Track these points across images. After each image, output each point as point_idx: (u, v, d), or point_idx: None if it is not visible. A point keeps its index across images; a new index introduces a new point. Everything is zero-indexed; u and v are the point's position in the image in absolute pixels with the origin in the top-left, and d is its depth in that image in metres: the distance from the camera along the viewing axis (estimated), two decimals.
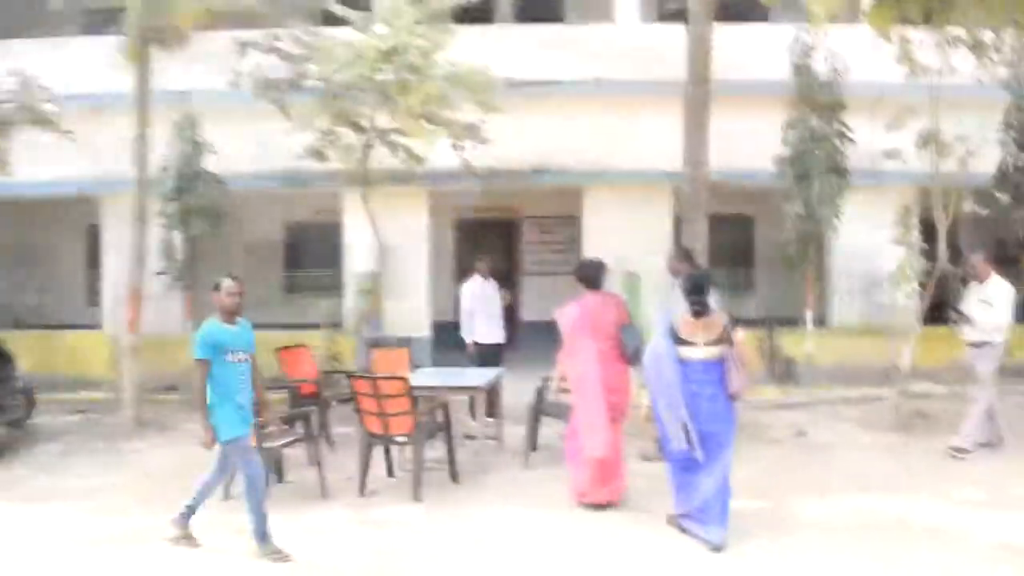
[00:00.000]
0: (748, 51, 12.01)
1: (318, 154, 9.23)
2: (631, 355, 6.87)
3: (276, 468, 7.48)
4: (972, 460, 8.16)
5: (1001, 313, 8.26)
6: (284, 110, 9.42)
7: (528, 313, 15.35)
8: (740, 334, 6.14)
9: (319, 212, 14.77)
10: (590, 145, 12.73)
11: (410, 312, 12.61)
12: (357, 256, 12.83)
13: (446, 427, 7.79)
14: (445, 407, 7.84)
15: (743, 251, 15.58)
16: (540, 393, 8.35)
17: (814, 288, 11.43)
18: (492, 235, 15.79)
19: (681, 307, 6.35)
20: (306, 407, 8.30)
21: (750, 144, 11.67)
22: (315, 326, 12.42)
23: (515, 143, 11.75)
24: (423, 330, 12.88)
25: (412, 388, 7.35)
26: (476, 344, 10.17)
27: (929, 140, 10.33)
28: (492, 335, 10.28)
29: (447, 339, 13.01)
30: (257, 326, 6.33)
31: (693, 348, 6.00)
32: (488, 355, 10.05)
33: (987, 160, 10.70)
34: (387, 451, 7.84)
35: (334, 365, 11.42)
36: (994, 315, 8.24)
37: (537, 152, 12.57)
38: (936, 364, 10.78)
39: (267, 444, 6.95)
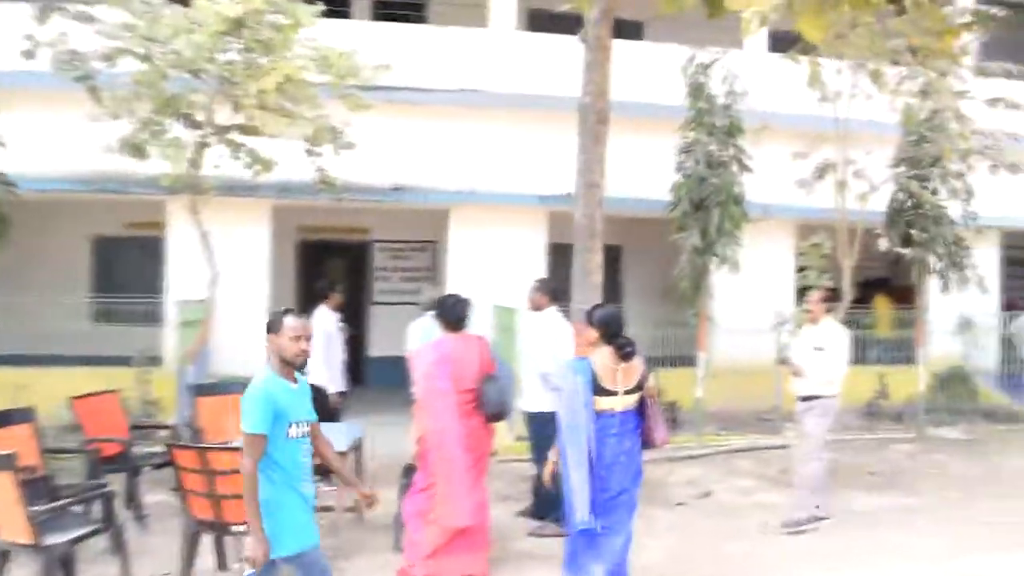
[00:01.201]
0: (637, 71, 10.89)
1: (135, 150, 7.07)
2: (490, 413, 5.63)
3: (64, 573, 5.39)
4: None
5: (834, 362, 7.03)
6: (95, 93, 7.26)
7: (377, 347, 13.57)
8: (652, 379, 5.34)
9: (134, 225, 12.43)
10: (458, 162, 11.20)
11: (245, 349, 10.52)
12: (182, 279, 10.64)
13: None
14: None
15: (609, 284, 14.39)
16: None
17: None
18: (339, 259, 13.88)
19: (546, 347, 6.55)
20: (105, 479, 6.30)
21: (639, 170, 10.54)
22: (126, 361, 10.16)
23: (373, 155, 10.04)
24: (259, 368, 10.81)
25: None
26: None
27: (826, 171, 9.51)
28: (335, 382, 8.48)
29: None
30: (54, 361, 4.34)
31: (612, 398, 5.07)
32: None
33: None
34: (219, 539, 5.93)
35: (149, 415, 9.23)
36: (826, 364, 7.00)
37: (398, 167, 10.91)
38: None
39: (49, 540, 4.95)
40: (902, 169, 10.24)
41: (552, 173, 11.35)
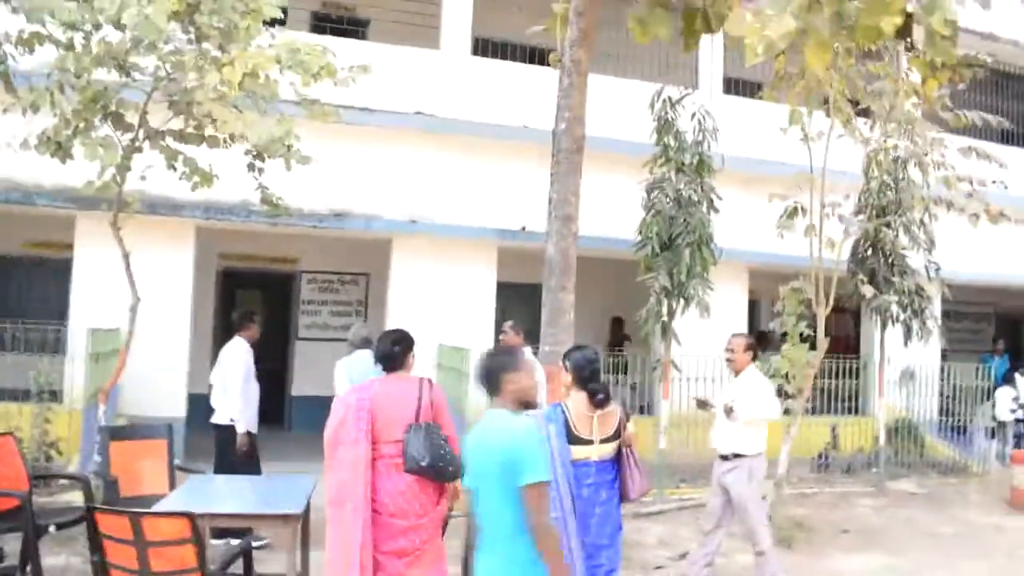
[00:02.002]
0: (602, 106, 10.29)
1: (58, 149, 5.86)
2: (408, 468, 4.58)
3: None
4: None
5: (755, 415, 6.07)
6: (6, 81, 6.04)
7: (300, 386, 12.40)
8: (631, 426, 4.86)
9: (34, 245, 11.04)
10: (404, 190, 10.28)
11: (162, 385, 9.29)
12: (87, 306, 9.35)
13: None
14: (245, 554, 4.96)
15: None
16: None
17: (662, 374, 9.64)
18: (263, 290, 12.70)
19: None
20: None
21: (596, 208, 9.87)
22: (16, 396, 8.79)
23: (310, 178, 9.01)
24: (177, 409, 9.57)
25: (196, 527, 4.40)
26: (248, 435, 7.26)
27: (794, 215, 9.05)
28: (253, 422, 7.42)
29: (199, 419, 9.87)
30: None
31: (587, 447, 4.64)
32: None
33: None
34: None
35: (48, 460, 7.92)
36: (745, 418, 6.06)
37: (337, 192, 9.92)
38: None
39: None
40: (863, 217, 9.91)
41: (504, 206, 10.62)
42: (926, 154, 9.19)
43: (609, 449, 4.69)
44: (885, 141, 9.56)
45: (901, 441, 11.29)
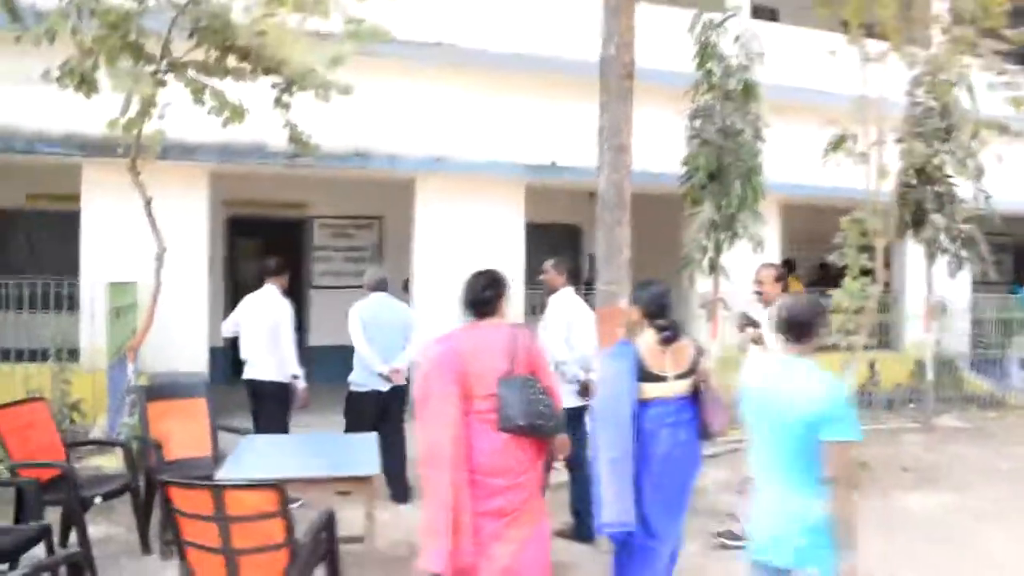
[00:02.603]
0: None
1: (82, 82, 5.18)
2: (504, 427, 4.12)
3: None
4: None
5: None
6: (11, 9, 5.33)
7: (317, 336, 11.86)
8: (703, 361, 4.60)
9: (35, 197, 10.36)
10: (426, 126, 9.64)
11: (182, 339, 8.73)
12: (99, 258, 8.73)
13: (330, 553, 4.47)
14: (330, 520, 4.48)
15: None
16: None
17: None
18: (272, 237, 12.07)
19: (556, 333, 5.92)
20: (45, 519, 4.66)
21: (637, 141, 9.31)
22: (24, 356, 8.21)
23: (328, 116, 8.38)
24: (199, 363, 9.03)
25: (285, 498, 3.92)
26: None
27: (842, 143, 8.53)
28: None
29: (218, 373, 9.37)
30: None
31: (662, 384, 4.37)
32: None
33: None
34: None
35: (72, 423, 7.37)
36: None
37: (357, 130, 9.27)
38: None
39: None
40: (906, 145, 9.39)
41: (532, 142, 10.02)
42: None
43: (684, 386, 4.43)
44: (936, 61, 8.98)
45: (938, 376, 10.98)
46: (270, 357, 6.75)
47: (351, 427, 6.69)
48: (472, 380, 4.14)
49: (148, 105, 5.64)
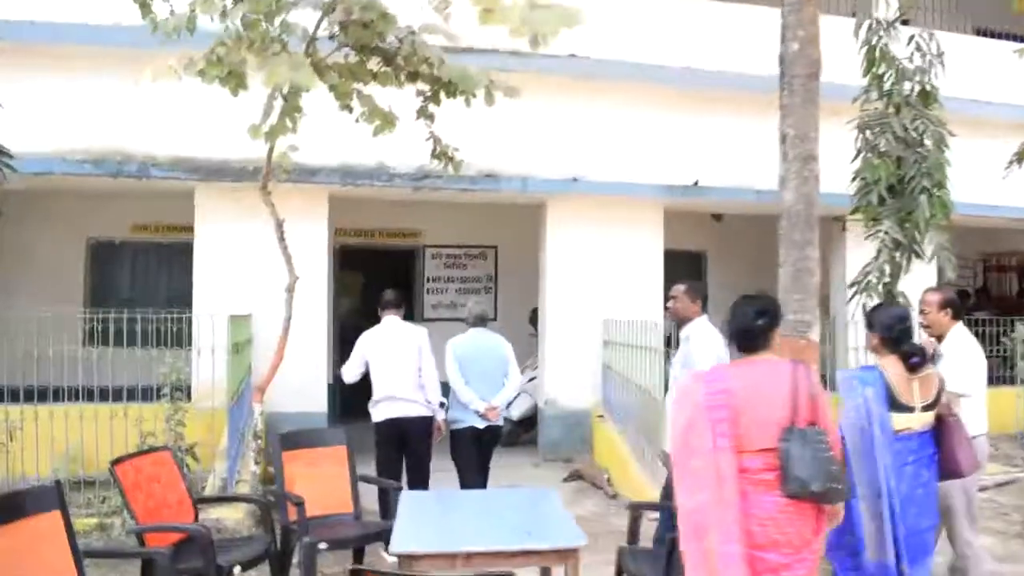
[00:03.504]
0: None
1: (229, 74, 4.31)
2: (791, 490, 3.15)
3: None
4: None
5: (970, 387, 4.65)
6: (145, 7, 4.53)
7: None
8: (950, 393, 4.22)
9: (139, 228, 9.72)
10: (557, 145, 8.73)
11: (302, 377, 7.87)
12: (214, 288, 7.97)
13: None
14: None
15: None
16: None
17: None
18: (382, 268, 11.25)
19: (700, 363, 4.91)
20: None
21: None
22: (132, 395, 7.41)
23: (453, 135, 7.55)
24: (319, 404, 8.18)
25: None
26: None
27: None
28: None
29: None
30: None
31: (909, 415, 4.00)
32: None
33: None
34: None
35: (191, 471, 6.50)
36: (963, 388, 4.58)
37: (486, 150, 8.38)
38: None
39: None
40: None
41: (670, 161, 9.02)
42: None
43: (930, 418, 4.07)
44: None
45: None
46: (418, 392, 6.05)
47: (458, 466, 6.24)
48: (744, 430, 3.20)
49: (293, 109, 4.78)
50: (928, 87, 7.38)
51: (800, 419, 3.22)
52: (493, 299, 11.17)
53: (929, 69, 7.42)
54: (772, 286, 11.48)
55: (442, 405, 6.22)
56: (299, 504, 4.89)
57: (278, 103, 4.82)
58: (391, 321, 6.23)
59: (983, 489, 7.29)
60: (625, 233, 8.98)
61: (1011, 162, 7.14)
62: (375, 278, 11.70)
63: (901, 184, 7.17)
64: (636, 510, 4.75)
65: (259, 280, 7.80)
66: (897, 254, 7.13)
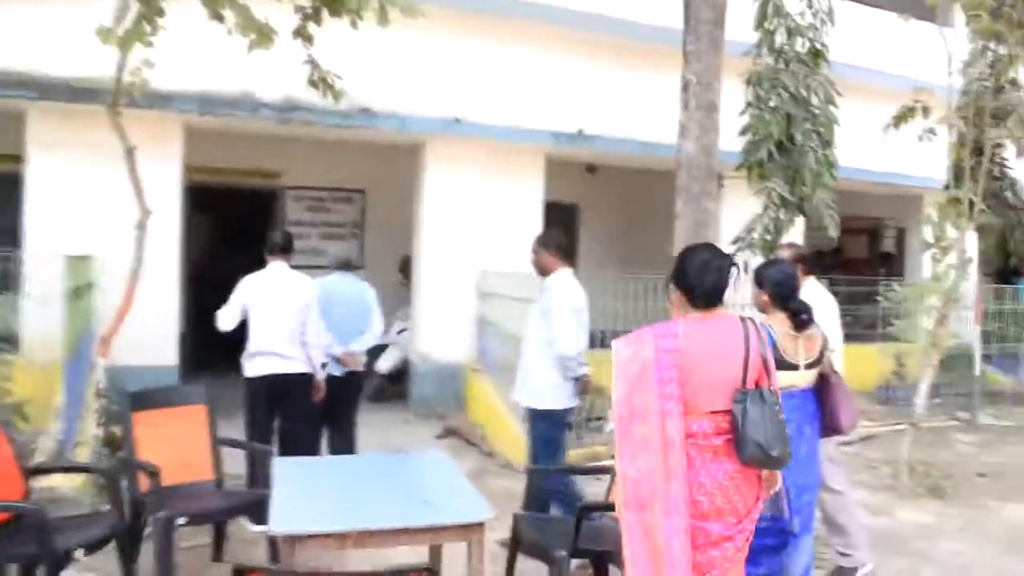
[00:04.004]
0: None
1: None
2: (747, 457, 2.88)
3: None
4: None
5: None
6: None
7: None
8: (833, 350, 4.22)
9: None
10: (436, 84, 8.10)
11: (149, 326, 6.97)
12: (48, 226, 6.92)
13: None
14: None
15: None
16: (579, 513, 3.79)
17: None
18: (236, 209, 10.28)
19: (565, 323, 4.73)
20: None
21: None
22: None
23: (329, 65, 6.82)
24: (167, 356, 7.32)
25: None
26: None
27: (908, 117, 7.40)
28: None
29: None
30: None
31: (793, 373, 3.83)
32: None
33: None
34: None
35: (20, 432, 5.59)
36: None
37: (359, 85, 7.64)
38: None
39: None
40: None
41: (553, 107, 8.59)
42: None
43: (813, 375, 3.96)
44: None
45: (959, 370, 10.07)
46: (298, 348, 5.36)
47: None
48: (693, 391, 2.87)
49: (154, 12, 3.98)
50: (819, 46, 7.32)
51: (750, 380, 2.92)
52: (359, 246, 10.48)
53: (821, 27, 7.34)
54: (645, 239, 11.49)
55: (324, 366, 5.57)
56: (153, 473, 4.20)
57: (135, 5, 3.98)
58: (278, 268, 5.45)
59: (849, 443, 7.51)
60: (505, 180, 8.51)
61: (889, 125, 7.16)
62: (229, 221, 10.78)
63: (791, 141, 7.09)
64: (536, 474, 4.39)
65: (102, 217, 6.85)
66: (783, 211, 7.07)
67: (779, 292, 3.93)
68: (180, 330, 7.71)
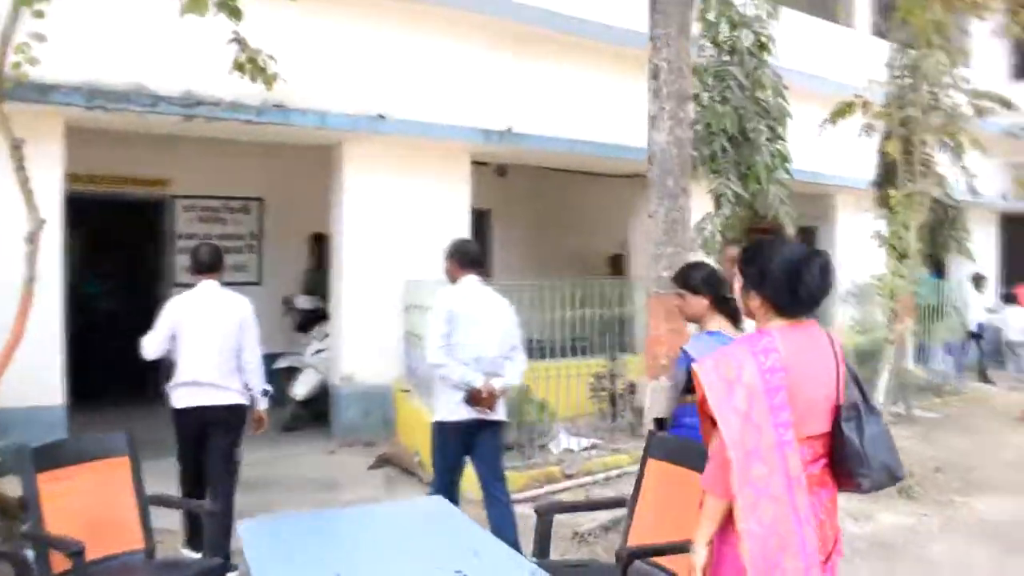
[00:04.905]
0: None
1: None
2: (875, 482, 2.45)
3: None
4: None
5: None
6: None
7: None
8: None
9: None
10: (362, 76, 7.28)
11: (33, 358, 5.78)
12: None
13: None
14: None
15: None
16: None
17: None
18: (117, 222, 9.01)
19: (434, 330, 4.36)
20: None
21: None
22: None
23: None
24: (54, 393, 6.16)
25: None
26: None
27: (846, 112, 7.25)
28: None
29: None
30: None
31: None
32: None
33: None
34: None
35: None
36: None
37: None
38: None
39: None
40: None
41: (485, 106, 7.94)
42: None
43: None
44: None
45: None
46: (232, 376, 4.60)
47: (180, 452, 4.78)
48: (799, 416, 2.35)
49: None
50: (763, 39, 7.02)
51: (842, 395, 2.45)
52: (258, 260, 9.47)
53: (767, 20, 7.06)
54: (558, 243, 11.00)
55: (265, 393, 4.79)
56: (77, 553, 3.26)
57: None
58: (207, 287, 4.68)
59: None
60: (431, 183, 7.77)
61: (825, 120, 6.98)
62: (109, 235, 9.53)
63: (743, 135, 6.74)
64: (548, 513, 3.71)
65: None
66: (738, 208, 6.70)
67: (719, 293, 3.74)
68: (63, 362, 6.55)
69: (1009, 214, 14.29)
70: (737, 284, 2.62)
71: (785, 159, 6.73)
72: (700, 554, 2.44)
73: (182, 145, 8.04)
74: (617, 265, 10.77)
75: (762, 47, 6.96)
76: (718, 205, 6.66)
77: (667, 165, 5.26)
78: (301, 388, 8.03)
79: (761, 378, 2.33)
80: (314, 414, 8.13)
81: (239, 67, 4.61)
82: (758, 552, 2.29)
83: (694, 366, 2.50)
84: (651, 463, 3.65)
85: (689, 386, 3.77)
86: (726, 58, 6.88)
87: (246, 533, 3.19)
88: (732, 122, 6.60)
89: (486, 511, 4.55)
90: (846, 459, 2.43)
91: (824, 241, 11.21)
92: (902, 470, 2.51)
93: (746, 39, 6.93)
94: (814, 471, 2.42)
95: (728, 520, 2.39)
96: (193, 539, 4.73)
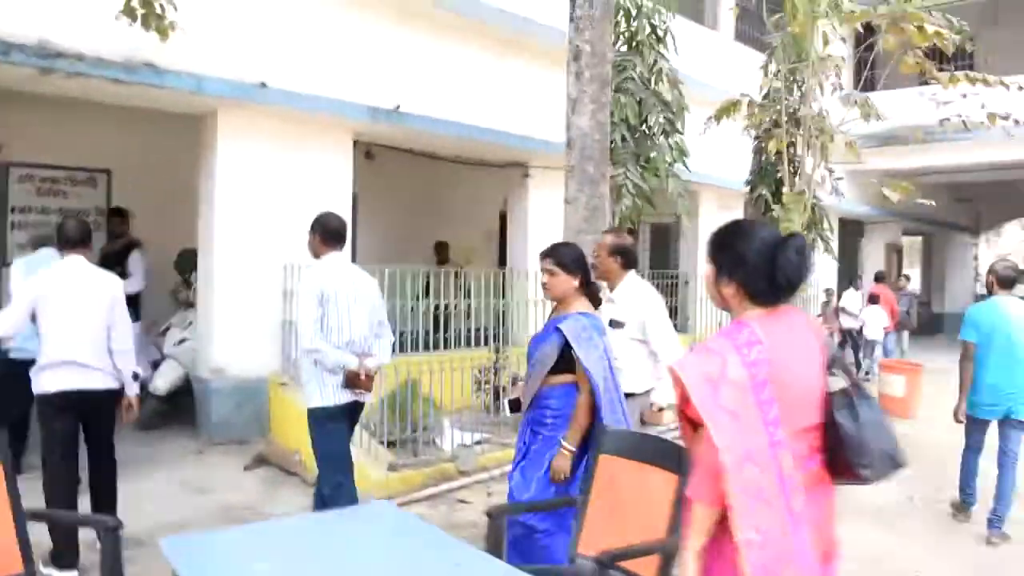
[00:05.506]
0: None
1: None
2: (877, 473, 2.28)
3: None
4: None
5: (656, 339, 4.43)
6: None
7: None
8: None
9: None
10: (239, 41, 6.62)
11: None
12: None
13: None
14: None
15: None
16: None
17: None
18: None
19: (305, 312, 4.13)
20: None
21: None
22: None
23: (102, 14, 5.19)
24: None
25: None
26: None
27: (731, 109, 7.39)
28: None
29: None
30: None
31: None
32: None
33: None
34: None
35: None
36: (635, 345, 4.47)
37: (145, 36, 5.97)
38: None
39: None
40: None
41: (372, 82, 7.47)
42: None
43: None
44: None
45: None
46: (104, 357, 4.24)
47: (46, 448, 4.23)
48: (788, 409, 2.19)
49: None
50: (660, 32, 7.02)
51: (827, 386, 2.31)
52: (105, 238, 8.52)
53: (663, 12, 7.05)
54: (423, 228, 10.71)
55: (136, 377, 4.37)
56: None
57: None
58: (75, 262, 4.26)
59: None
60: (313, 161, 7.22)
61: (710, 118, 7.08)
62: None
63: (643, 126, 6.70)
64: (500, 517, 3.43)
65: None
66: (638, 200, 6.66)
67: (586, 276, 3.81)
68: None
69: (845, 218, 15.37)
70: (708, 271, 2.45)
71: (683, 152, 6.76)
72: (691, 569, 2.25)
73: (20, 104, 7.08)
74: (442, 253, 10.57)
75: (659, 40, 6.96)
76: (619, 196, 6.60)
77: (588, 151, 5.09)
78: (162, 382, 7.27)
79: (747, 374, 2.17)
80: (174, 409, 7.41)
81: (129, 12, 3.99)
82: (757, 564, 2.12)
83: (673, 366, 2.30)
84: (603, 459, 3.46)
85: (559, 366, 3.70)
86: (624, 49, 6.83)
87: (174, 555, 2.70)
88: (633, 113, 6.56)
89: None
90: (843, 449, 2.28)
91: (688, 236, 11.47)
92: (904, 457, 2.38)
93: (642, 31, 6.92)
94: (812, 467, 2.27)
95: (722, 531, 2.21)
96: (61, 556, 4.11)
